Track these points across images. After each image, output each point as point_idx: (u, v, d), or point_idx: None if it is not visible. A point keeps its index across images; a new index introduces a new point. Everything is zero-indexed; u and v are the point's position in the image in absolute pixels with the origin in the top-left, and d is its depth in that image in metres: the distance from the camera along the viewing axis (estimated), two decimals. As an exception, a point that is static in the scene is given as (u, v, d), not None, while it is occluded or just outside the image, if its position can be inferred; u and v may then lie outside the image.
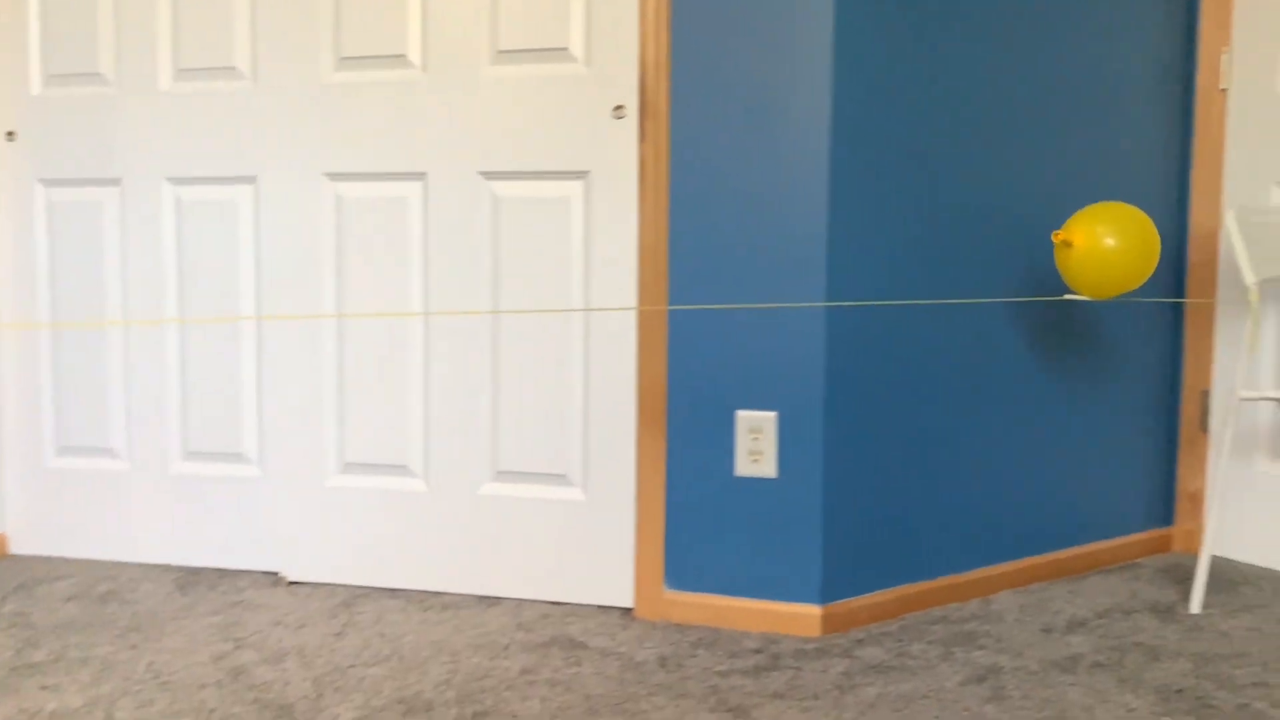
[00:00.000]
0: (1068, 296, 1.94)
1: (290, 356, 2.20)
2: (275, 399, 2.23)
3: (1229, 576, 2.26)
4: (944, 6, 2.01)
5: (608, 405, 2.05)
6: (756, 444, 1.97)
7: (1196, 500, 2.44)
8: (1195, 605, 2.04)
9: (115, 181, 2.31)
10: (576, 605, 2.10)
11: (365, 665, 1.79)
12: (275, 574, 2.29)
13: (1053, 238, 1.79)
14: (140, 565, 2.35)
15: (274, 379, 2.22)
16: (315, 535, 2.21)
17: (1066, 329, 2.26)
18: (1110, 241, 1.73)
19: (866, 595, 2.01)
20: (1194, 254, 2.41)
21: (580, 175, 2.04)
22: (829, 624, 1.95)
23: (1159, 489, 2.46)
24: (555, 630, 1.96)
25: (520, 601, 2.12)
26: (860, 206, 1.94)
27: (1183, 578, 2.26)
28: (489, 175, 2.08)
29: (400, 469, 2.17)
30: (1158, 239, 1.76)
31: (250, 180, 2.22)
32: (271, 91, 2.17)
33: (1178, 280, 2.43)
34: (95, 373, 2.36)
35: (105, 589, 2.19)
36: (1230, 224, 1.94)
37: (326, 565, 2.21)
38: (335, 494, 2.20)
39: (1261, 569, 2.31)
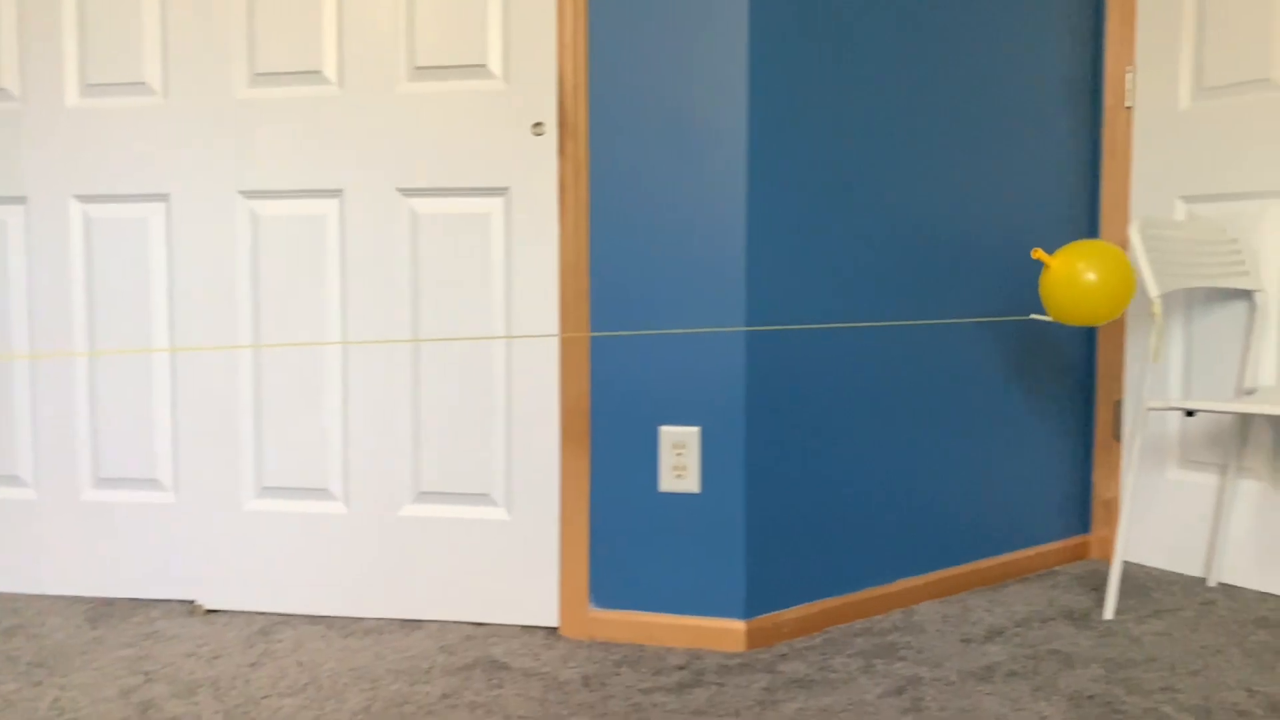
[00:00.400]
0: (1034, 316, 2.01)
1: (204, 378, 2.15)
2: (190, 422, 2.17)
3: (1142, 582, 2.32)
4: (860, 29, 2.05)
5: (531, 423, 2.04)
6: (680, 459, 1.97)
7: (1112, 508, 2.50)
8: (1109, 611, 2.08)
9: (20, 199, 2.24)
10: (501, 626, 2.08)
11: (280, 695, 1.74)
12: (191, 603, 2.22)
13: (1033, 254, 1.85)
14: (49, 597, 2.27)
15: (188, 402, 2.17)
16: (232, 562, 2.16)
17: (986, 345, 2.30)
18: (1090, 276, 1.79)
19: (791, 609, 2.02)
20: (1105, 267, 2.48)
21: (500, 192, 2.02)
22: (753, 638, 1.96)
23: (1076, 497, 2.52)
24: (478, 652, 1.93)
25: (444, 624, 2.09)
26: (779, 225, 1.96)
27: (1098, 584, 2.31)
28: (407, 192, 2.06)
29: (320, 492, 2.13)
30: (1132, 286, 1.83)
31: (162, 198, 2.17)
32: (183, 107, 2.12)
33: (1090, 293, 2.49)
34: None
35: (10, 623, 2.11)
36: (1134, 238, 1.99)
37: (244, 592, 2.16)
38: (253, 519, 2.15)
39: (1173, 574, 2.37)
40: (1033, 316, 2.06)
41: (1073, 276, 1.80)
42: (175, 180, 2.15)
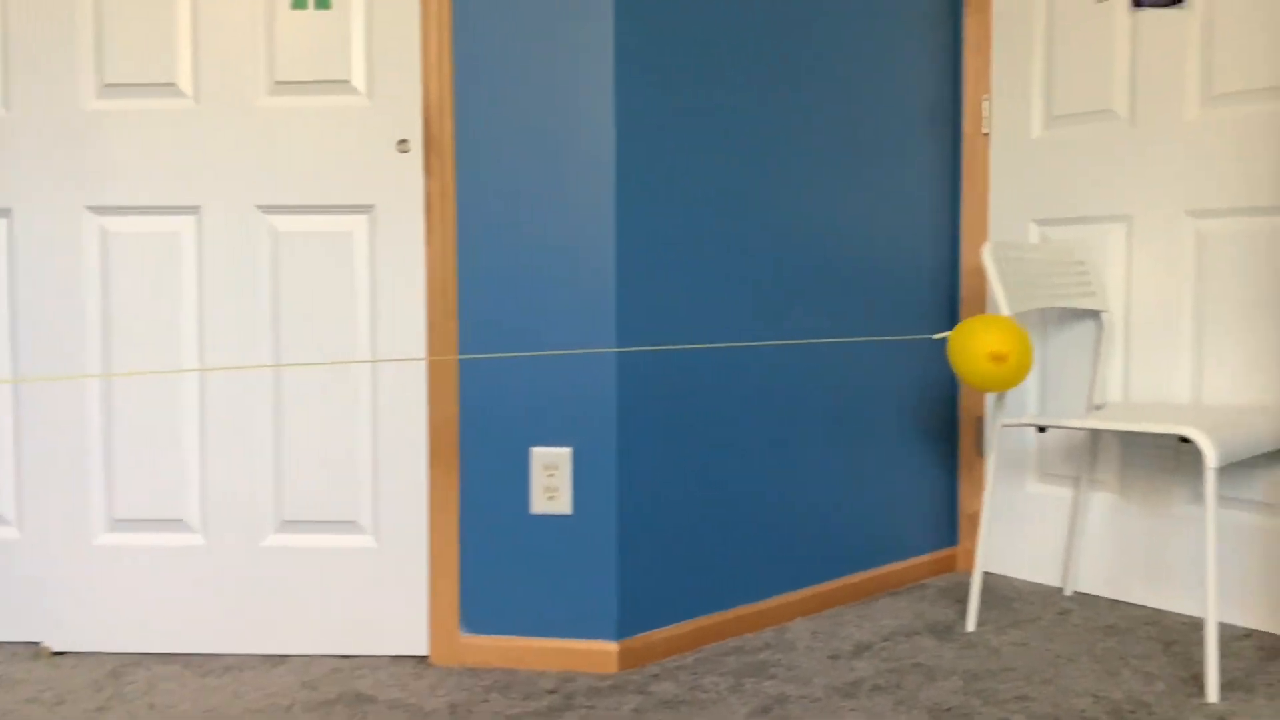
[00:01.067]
0: (938, 336, 2.08)
1: (50, 405, 2.03)
2: (34, 451, 2.05)
3: (1004, 593, 2.40)
4: (726, 51, 2.08)
5: (398, 446, 1.99)
6: (552, 481, 1.95)
7: (976, 521, 2.58)
8: (971, 623, 2.14)
9: None
10: (369, 657, 2.01)
11: (125, 739, 1.65)
12: (37, 644, 2.09)
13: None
14: (-126, 641, 2.10)
15: (32, 429, 2.05)
16: (82, 599, 2.04)
17: (853, 364, 2.35)
18: (1002, 356, 1.87)
19: (663, 629, 2.01)
20: (965, 289, 2.57)
21: (364, 209, 1.98)
22: (625, 659, 1.95)
23: (944, 511, 2.59)
24: (343, 686, 1.87)
25: (309, 658, 2.02)
26: (649, 244, 1.97)
27: (964, 596, 2.37)
28: (267, 209, 1.99)
29: (176, 523, 2.03)
30: (1023, 373, 1.92)
31: (4, 214, 2.05)
32: (26, 118, 2.01)
33: (952, 314, 2.58)
34: None
35: None
36: (987, 260, 2.07)
37: (95, 632, 2.04)
38: (104, 553, 2.04)
39: (1034, 584, 2.46)
40: (936, 336, 2.13)
41: (994, 363, 1.88)
42: (17, 195, 2.03)
